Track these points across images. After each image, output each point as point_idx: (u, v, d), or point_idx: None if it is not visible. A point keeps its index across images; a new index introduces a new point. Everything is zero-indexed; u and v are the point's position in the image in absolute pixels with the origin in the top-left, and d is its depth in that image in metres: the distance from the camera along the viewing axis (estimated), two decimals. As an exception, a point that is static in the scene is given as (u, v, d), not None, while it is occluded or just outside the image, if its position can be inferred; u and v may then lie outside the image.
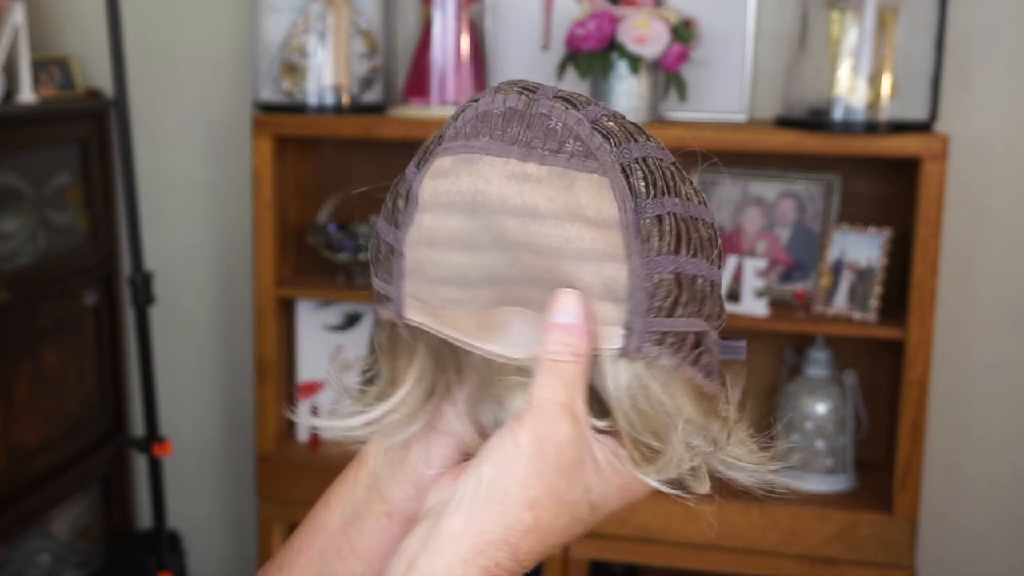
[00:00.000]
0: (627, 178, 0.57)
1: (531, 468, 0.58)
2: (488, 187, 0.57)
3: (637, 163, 0.58)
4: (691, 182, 0.61)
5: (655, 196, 0.57)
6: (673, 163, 0.61)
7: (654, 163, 0.59)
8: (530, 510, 0.58)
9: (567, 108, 0.58)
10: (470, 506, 0.58)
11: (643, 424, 0.60)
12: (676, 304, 0.57)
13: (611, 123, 0.58)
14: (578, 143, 0.57)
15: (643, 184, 0.57)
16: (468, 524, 0.58)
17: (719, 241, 0.61)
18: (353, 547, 0.72)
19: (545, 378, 0.59)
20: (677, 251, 0.57)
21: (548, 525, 0.59)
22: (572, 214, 0.57)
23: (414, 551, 0.59)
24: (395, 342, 0.66)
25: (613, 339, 0.58)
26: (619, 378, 0.59)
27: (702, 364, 0.59)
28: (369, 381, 0.69)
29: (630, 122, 0.61)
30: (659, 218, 0.57)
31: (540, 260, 0.58)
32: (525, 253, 0.58)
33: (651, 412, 0.59)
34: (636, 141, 0.59)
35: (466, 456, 0.70)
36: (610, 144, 0.57)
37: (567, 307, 0.58)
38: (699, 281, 0.58)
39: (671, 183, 0.59)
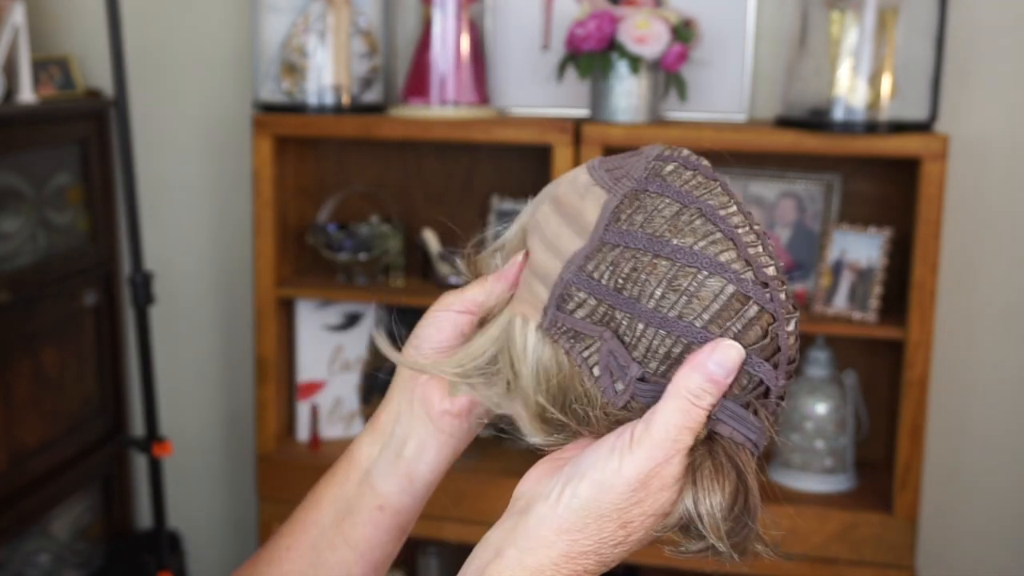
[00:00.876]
0: (623, 205, 0.64)
1: (632, 499, 0.61)
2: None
3: (645, 197, 0.65)
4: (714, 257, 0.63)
5: (634, 232, 0.63)
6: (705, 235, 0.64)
7: (668, 213, 0.64)
8: (623, 529, 0.62)
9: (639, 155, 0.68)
10: (564, 518, 0.62)
11: (550, 397, 0.66)
12: (581, 312, 0.64)
13: (668, 165, 0.66)
14: (626, 169, 0.67)
15: (636, 218, 0.64)
16: (562, 534, 0.61)
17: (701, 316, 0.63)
18: (346, 538, 0.76)
19: (675, 414, 0.61)
20: (618, 289, 0.63)
21: (636, 538, 0.63)
22: (569, 210, 0.66)
23: (501, 540, 0.63)
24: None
25: (538, 314, 0.65)
26: (543, 351, 0.65)
27: (595, 364, 0.64)
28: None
29: (691, 171, 0.66)
30: (620, 250, 0.63)
31: (531, 232, 0.68)
32: (532, 225, 0.69)
33: (556, 389, 0.65)
34: (665, 184, 0.65)
35: (456, 454, 0.76)
36: (631, 180, 0.66)
37: (725, 359, 0.61)
38: (621, 316, 0.63)
39: (664, 235, 0.63)
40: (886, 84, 1.91)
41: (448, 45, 2.08)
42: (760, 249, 0.63)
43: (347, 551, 0.76)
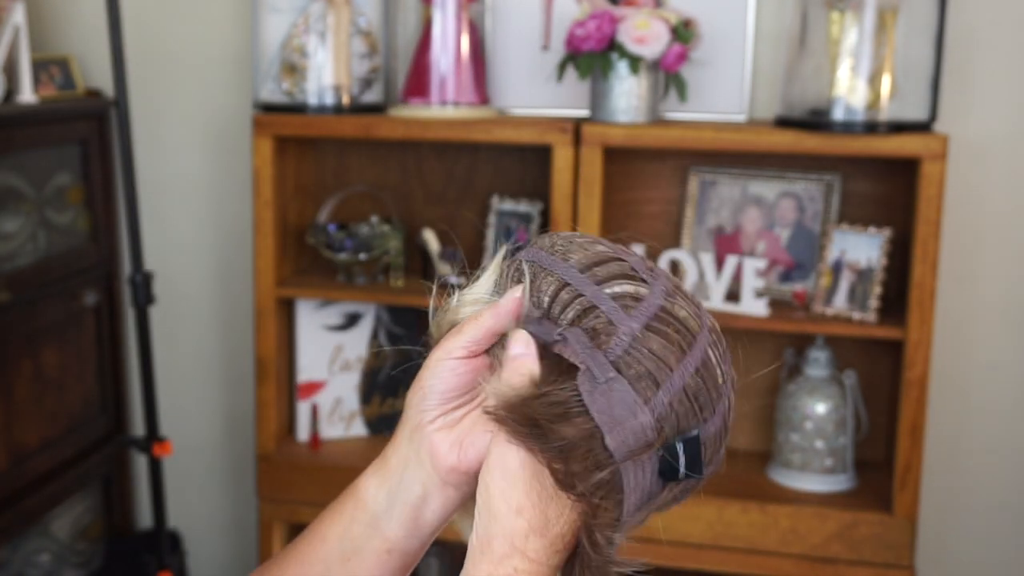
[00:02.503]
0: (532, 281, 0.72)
1: (503, 482, 0.66)
2: None
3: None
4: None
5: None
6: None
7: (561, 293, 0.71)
8: (519, 516, 0.66)
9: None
10: (479, 536, 0.67)
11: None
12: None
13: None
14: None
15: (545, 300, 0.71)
16: (483, 552, 0.67)
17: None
18: None
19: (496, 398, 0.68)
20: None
21: (540, 520, 0.66)
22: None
23: None
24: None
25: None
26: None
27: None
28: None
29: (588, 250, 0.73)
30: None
31: None
32: None
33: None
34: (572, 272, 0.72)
35: (464, 501, 0.77)
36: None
37: (519, 343, 0.69)
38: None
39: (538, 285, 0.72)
40: (886, 84, 1.91)
41: (448, 45, 2.08)
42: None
43: None
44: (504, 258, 0.75)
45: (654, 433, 0.65)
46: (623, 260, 0.70)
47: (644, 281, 0.68)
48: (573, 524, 0.66)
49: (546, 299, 0.69)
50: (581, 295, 0.68)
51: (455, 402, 0.74)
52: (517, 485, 0.66)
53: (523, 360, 0.68)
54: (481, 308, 0.73)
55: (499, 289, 0.74)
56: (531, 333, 0.69)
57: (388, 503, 0.76)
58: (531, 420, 0.65)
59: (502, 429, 0.67)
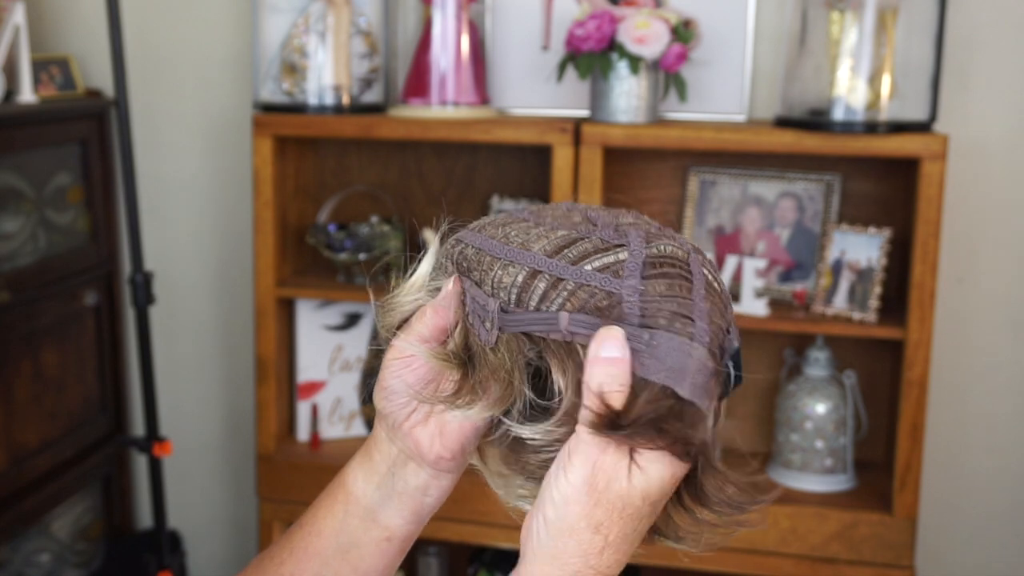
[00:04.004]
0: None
1: (588, 501, 0.63)
2: None
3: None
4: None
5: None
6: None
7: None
8: (598, 533, 0.63)
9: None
10: (547, 547, 0.64)
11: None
12: (443, 255, 0.76)
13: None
14: None
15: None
16: (545, 563, 0.64)
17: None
18: (354, 568, 0.78)
19: (590, 410, 0.63)
20: (474, 229, 0.75)
21: (618, 537, 0.64)
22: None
23: None
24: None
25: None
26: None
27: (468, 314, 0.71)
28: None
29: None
30: (488, 222, 0.74)
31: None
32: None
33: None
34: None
35: (456, 481, 0.78)
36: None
37: (613, 342, 0.62)
38: (471, 252, 0.72)
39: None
40: (886, 84, 1.91)
41: (448, 45, 2.08)
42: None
43: None
44: (442, 243, 0.74)
45: (713, 360, 0.64)
46: (586, 239, 0.67)
47: (618, 245, 0.66)
48: (643, 533, 0.66)
49: (512, 289, 0.67)
50: (561, 279, 0.66)
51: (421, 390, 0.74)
52: (602, 505, 0.63)
53: (619, 365, 0.62)
54: (423, 300, 0.73)
55: (438, 276, 0.74)
56: (518, 319, 0.67)
57: (382, 497, 0.77)
58: (616, 423, 0.62)
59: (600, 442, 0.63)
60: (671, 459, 0.63)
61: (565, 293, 0.65)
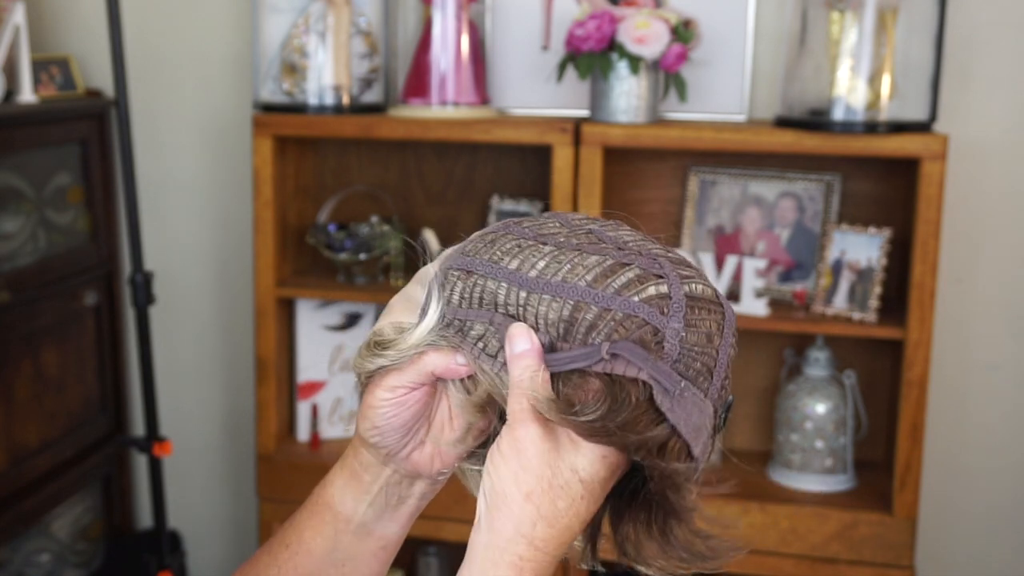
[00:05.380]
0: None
1: (516, 466, 0.66)
2: None
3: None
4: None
5: (522, 229, 0.72)
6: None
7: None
8: (528, 501, 0.65)
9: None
10: (485, 519, 0.67)
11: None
12: (457, 293, 0.71)
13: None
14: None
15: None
16: (488, 533, 0.66)
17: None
18: None
19: (513, 397, 0.67)
20: (494, 261, 0.70)
21: (550, 510, 0.66)
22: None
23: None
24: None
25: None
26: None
27: (487, 349, 0.70)
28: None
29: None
30: (500, 235, 0.71)
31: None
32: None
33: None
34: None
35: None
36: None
37: (520, 338, 0.67)
38: (496, 287, 0.69)
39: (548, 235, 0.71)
40: (886, 84, 1.91)
41: (448, 45, 2.08)
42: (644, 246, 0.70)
43: None
44: (439, 279, 0.71)
45: (715, 418, 0.67)
46: (629, 267, 0.67)
47: (657, 276, 0.66)
48: (581, 517, 0.67)
49: (559, 324, 0.66)
50: (608, 309, 0.65)
51: (416, 426, 0.75)
52: (530, 471, 0.65)
53: (529, 355, 0.67)
54: (425, 341, 0.72)
55: (445, 309, 0.71)
56: (562, 358, 0.66)
57: (376, 512, 0.78)
58: (609, 433, 0.65)
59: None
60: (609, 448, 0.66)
61: (612, 323, 0.65)
